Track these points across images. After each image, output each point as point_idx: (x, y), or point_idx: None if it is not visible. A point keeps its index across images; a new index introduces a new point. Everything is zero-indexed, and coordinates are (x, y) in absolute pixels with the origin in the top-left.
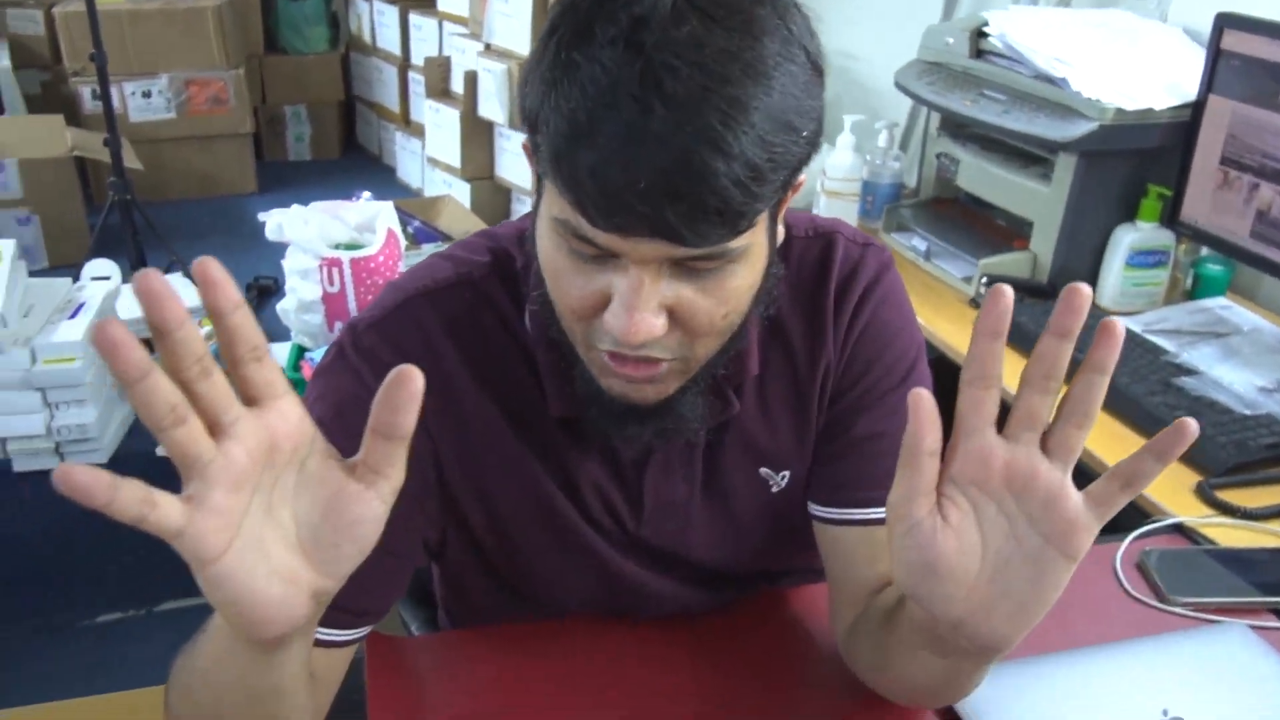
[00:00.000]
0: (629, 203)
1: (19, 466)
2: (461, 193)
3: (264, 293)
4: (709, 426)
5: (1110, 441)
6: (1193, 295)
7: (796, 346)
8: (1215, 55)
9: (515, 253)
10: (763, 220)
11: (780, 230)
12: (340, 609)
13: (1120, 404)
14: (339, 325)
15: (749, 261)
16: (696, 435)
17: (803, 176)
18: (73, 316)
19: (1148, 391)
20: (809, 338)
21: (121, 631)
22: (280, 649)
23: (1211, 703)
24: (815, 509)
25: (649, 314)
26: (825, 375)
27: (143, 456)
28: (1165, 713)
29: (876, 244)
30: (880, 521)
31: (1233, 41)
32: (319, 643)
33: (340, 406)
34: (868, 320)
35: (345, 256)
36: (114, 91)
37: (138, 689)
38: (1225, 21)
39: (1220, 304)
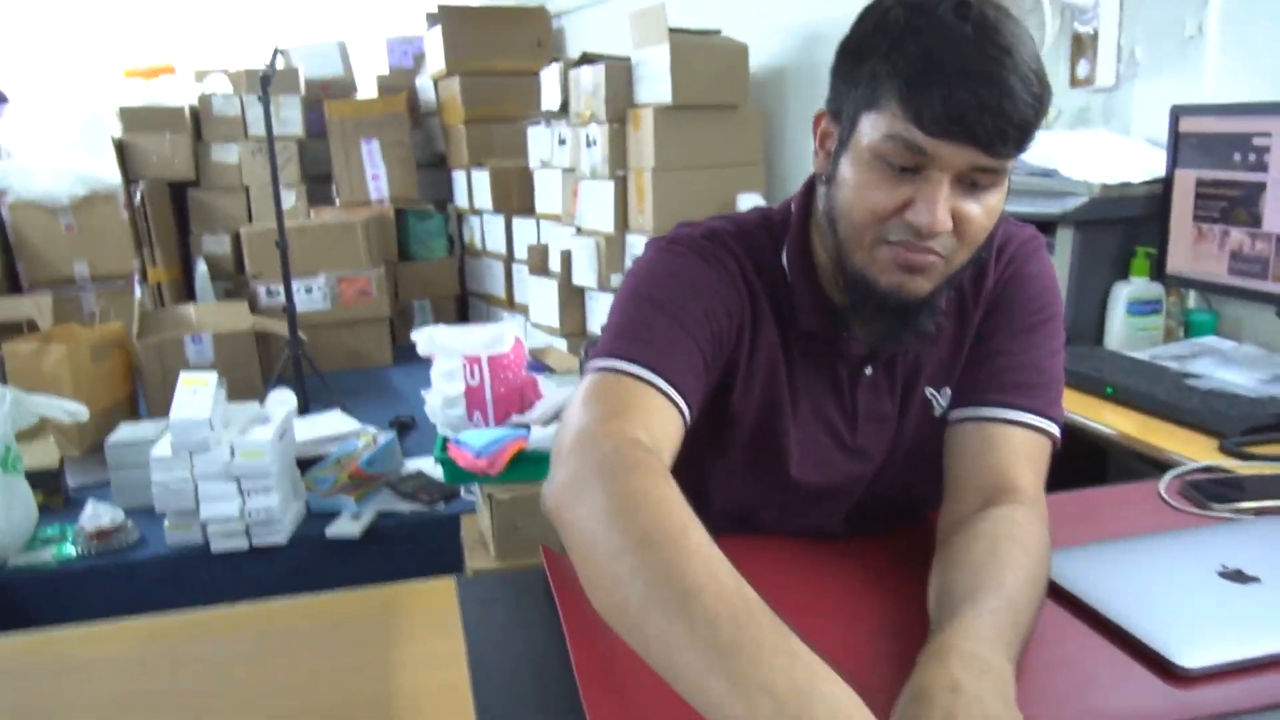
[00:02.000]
0: (964, 115)
1: (216, 547)
2: (559, 346)
3: (403, 428)
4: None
5: (1140, 429)
6: (1187, 339)
7: (967, 287)
8: (1176, 137)
9: (774, 216)
10: (1012, 164)
11: None
12: (675, 373)
13: (1145, 402)
14: (477, 415)
15: (1001, 190)
16: (924, 342)
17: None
18: (262, 424)
19: (1166, 390)
20: (976, 279)
21: None
22: None
23: (1262, 562)
24: (950, 416)
25: (946, 212)
26: (983, 304)
27: (314, 539)
28: (1224, 565)
29: (1033, 228)
30: (992, 420)
31: (1187, 125)
32: (669, 399)
33: (693, 270)
34: (1019, 268)
35: (484, 354)
36: (283, 288)
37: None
38: (1180, 111)
39: (1211, 340)
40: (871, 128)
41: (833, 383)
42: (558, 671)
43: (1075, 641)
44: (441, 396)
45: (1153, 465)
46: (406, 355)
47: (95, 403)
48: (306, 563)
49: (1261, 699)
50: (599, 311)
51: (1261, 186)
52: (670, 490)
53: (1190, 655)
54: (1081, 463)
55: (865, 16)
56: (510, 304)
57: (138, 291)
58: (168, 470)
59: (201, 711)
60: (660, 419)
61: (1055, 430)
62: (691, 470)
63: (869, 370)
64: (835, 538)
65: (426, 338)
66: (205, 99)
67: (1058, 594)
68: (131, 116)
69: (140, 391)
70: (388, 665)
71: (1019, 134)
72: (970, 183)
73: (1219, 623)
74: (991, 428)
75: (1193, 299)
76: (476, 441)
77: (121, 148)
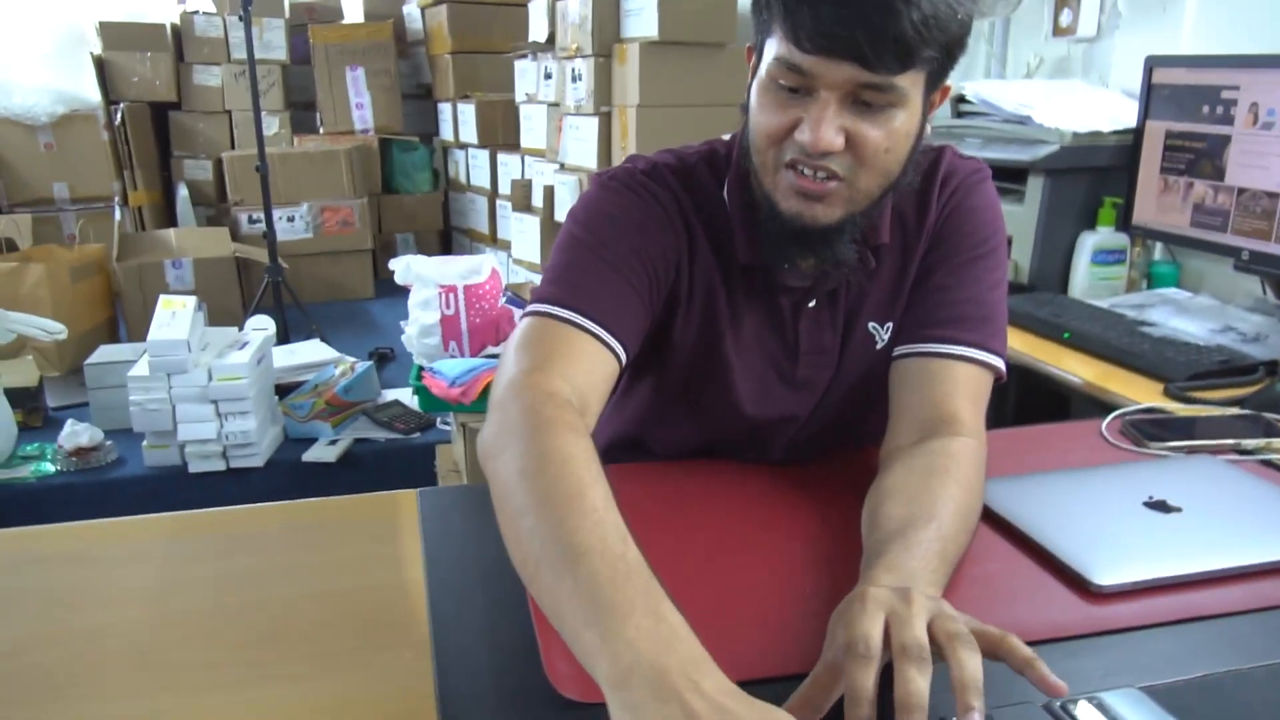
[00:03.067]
0: (835, 31)
1: (194, 468)
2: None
3: (382, 359)
4: (853, 280)
5: (1094, 373)
6: (1149, 290)
7: (910, 221)
8: (1148, 89)
9: (720, 150)
10: (919, 84)
11: (928, 116)
12: (611, 318)
13: (1099, 347)
14: (452, 344)
15: (908, 111)
16: (845, 274)
17: (948, 83)
18: (240, 349)
19: (1120, 336)
20: (919, 214)
21: None
22: None
23: (1186, 494)
24: (893, 352)
25: (831, 130)
26: (926, 238)
27: (290, 463)
28: (1151, 496)
29: (978, 161)
30: (933, 355)
31: (1160, 76)
32: (604, 343)
33: (629, 209)
34: (960, 200)
35: (460, 283)
36: (263, 216)
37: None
38: (1154, 61)
39: (1170, 291)
40: (767, 53)
41: (775, 315)
42: (508, 580)
43: (1002, 561)
44: (418, 325)
45: (1094, 404)
46: (387, 288)
47: (75, 324)
48: (282, 486)
49: (1166, 615)
50: None
51: (1226, 139)
52: (577, 448)
53: (1104, 574)
54: (1044, 404)
55: None
56: (494, 240)
57: (118, 214)
58: (145, 391)
59: (168, 599)
60: (588, 364)
61: (997, 362)
62: (637, 401)
63: (812, 303)
64: (773, 463)
65: (404, 266)
66: (187, 17)
67: (990, 517)
68: (111, 32)
69: (120, 315)
70: (347, 563)
71: (898, 49)
72: (863, 102)
73: (1137, 547)
74: (934, 362)
75: (1158, 251)
76: (451, 371)
77: (101, 65)
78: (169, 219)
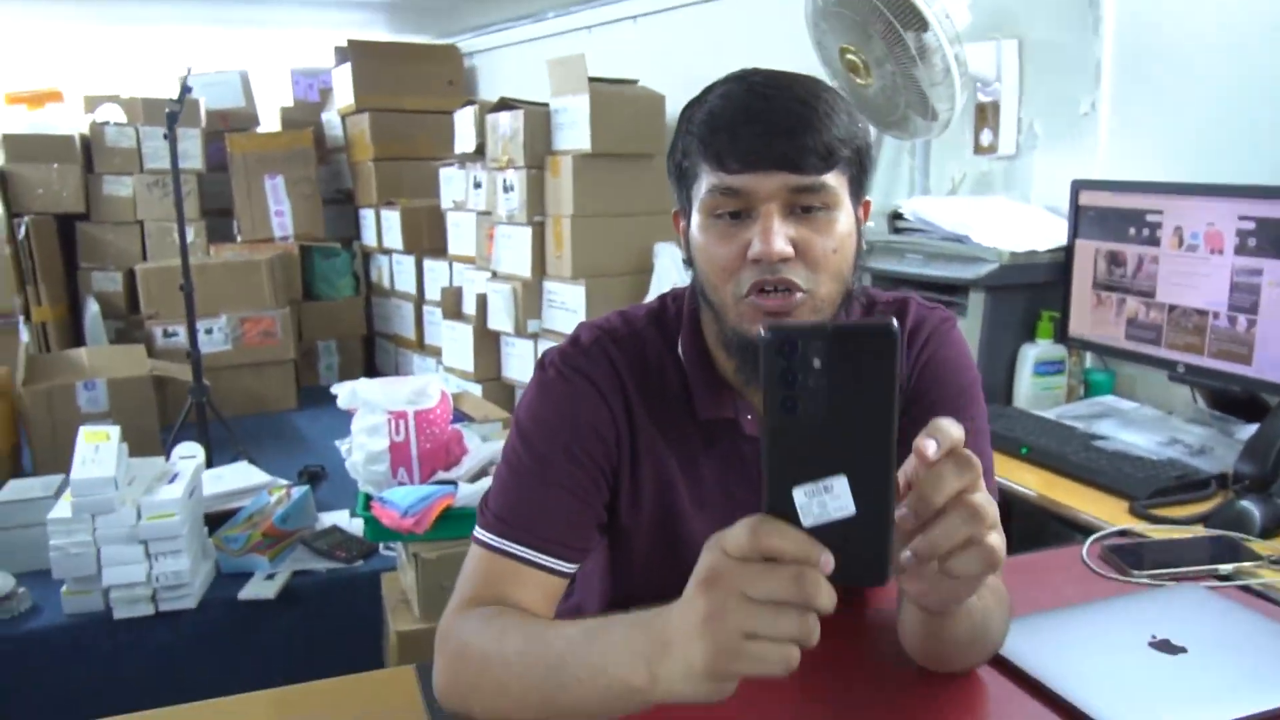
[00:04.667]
0: (757, 147)
1: (119, 614)
2: (474, 392)
3: (314, 478)
4: None
5: (1052, 488)
6: (1086, 397)
7: None
8: (1076, 210)
9: (669, 307)
10: (844, 186)
11: (861, 227)
12: (553, 542)
13: (1058, 462)
14: (402, 471)
15: (844, 212)
16: None
17: (868, 197)
18: (170, 483)
19: (1075, 452)
20: None
21: None
22: None
23: (1187, 631)
24: None
25: (780, 238)
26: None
27: (225, 601)
28: (1154, 635)
29: (943, 308)
30: None
31: (1087, 198)
32: (547, 569)
33: (560, 405)
34: (931, 354)
35: (410, 409)
36: (182, 329)
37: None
38: (1080, 185)
39: (1110, 400)
40: (697, 196)
41: (739, 466)
42: None
43: (1025, 716)
44: (365, 452)
45: (1059, 521)
46: (311, 397)
47: None
48: (217, 627)
49: None
50: (515, 358)
51: (1155, 259)
52: (516, 616)
53: None
54: None
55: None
56: (420, 346)
57: (24, 334)
58: (67, 534)
59: None
60: (526, 591)
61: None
62: (622, 568)
63: None
64: None
65: (349, 391)
66: (97, 128)
67: (1003, 666)
68: (16, 144)
69: (25, 443)
70: None
71: (818, 149)
72: (802, 209)
73: (1159, 697)
74: None
75: (1089, 358)
76: (403, 500)
77: (3, 178)
78: (74, 334)
